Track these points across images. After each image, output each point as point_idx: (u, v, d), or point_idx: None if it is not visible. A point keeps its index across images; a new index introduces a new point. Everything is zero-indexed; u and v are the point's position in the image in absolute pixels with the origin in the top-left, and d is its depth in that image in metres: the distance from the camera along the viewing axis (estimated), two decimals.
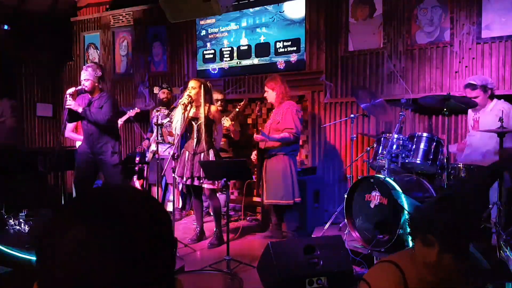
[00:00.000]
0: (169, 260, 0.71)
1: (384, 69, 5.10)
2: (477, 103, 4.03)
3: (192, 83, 4.53)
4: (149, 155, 5.92)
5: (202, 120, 4.43)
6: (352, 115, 4.73)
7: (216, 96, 5.17)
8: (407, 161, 3.92)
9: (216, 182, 4.42)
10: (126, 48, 7.27)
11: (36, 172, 5.87)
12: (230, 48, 6.21)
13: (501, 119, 3.59)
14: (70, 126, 5.77)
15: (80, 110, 4.56)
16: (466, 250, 1.63)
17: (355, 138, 4.70)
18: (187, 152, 4.55)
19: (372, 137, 4.92)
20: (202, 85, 4.47)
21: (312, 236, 4.47)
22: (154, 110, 5.41)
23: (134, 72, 7.17)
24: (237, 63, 6.16)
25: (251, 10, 5.99)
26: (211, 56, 6.37)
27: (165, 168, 4.76)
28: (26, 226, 4.94)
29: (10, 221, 5.13)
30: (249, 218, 5.73)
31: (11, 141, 6.56)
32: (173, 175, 4.48)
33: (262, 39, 5.93)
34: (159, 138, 4.72)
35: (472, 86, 4.07)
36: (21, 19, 6.89)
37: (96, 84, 4.68)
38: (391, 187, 3.64)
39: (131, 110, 6.14)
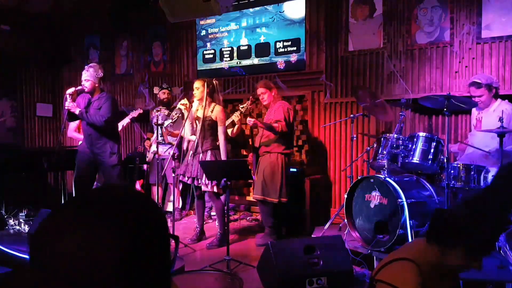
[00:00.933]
0: (166, 260, 0.72)
1: (384, 69, 5.09)
2: (477, 103, 4.02)
3: (196, 84, 4.54)
4: (149, 156, 5.92)
5: (206, 119, 4.43)
6: (352, 115, 4.73)
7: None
8: (407, 161, 3.91)
9: (212, 184, 4.37)
10: (126, 48, 7.27)
11: (41, 171, 5.87)
12: (230, 48, 6.21)
13: (501, 119, 3.57)
14: (72, 126, 5.77)
15: (77, 111, 4.52)
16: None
17: (355, 138, 4.70)
18: (190, 152, 4.55)
19: (372, 137, 4.91)
20: (206, 84, 4.46)
21: (312, 236, 4.47)
22: (154, 110, 5.41)
23: (134, 72, 7.17)
24: (237, 63, 6.16)
25: (251, 10, 5.99)
26: (211, 56, 6.37)
27: (165, 168, 4.75)
28: (26, 226, 4.95)
29: (10, 221, 5.13)
30: (249, 218, 5.73)
31: (11, 141, 6.56)
32: (173, 175, 4.48)
33: (262, 39, 5.93)
34: (159, 138, 4.72)
35: (477, 85, 4.02)
36: (21, 19, 6.89)
37: (97, 84, 4.64)
38: (393, 188, 3.64)
39: (133, 111, 6.14)
